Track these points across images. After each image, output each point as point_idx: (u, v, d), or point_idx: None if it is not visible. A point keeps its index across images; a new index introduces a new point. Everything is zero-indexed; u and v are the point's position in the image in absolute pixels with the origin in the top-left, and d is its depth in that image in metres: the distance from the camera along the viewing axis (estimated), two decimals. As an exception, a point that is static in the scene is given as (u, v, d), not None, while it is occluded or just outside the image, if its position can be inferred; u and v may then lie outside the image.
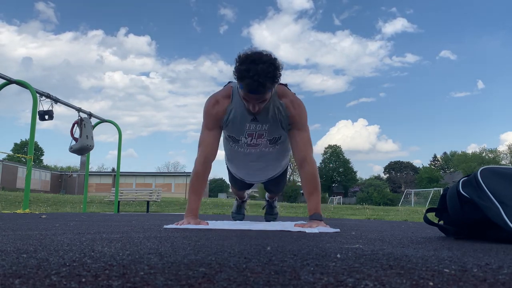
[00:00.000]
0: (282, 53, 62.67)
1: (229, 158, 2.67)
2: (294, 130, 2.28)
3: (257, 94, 2.04)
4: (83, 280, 0.62)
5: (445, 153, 59.82)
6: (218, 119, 2.28)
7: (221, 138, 2.43)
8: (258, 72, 1.95)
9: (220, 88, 2.38)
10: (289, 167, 3.01)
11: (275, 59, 2.05)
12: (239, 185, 3.03)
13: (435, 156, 61.12)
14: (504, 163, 45.61)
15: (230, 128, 2.33)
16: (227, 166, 2.91)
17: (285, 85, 2.31)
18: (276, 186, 3.10)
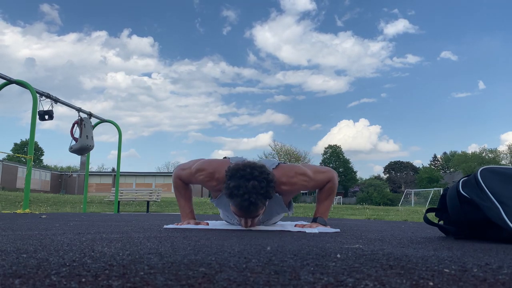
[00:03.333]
0: (284, 54, 62.82)
1: (223, 217, 2.56)
2: (309, 189, 2.25)
3: (249, 214, 1.94)
4: (83, 280, 0.62)
5: (445, 153, 59.86)
6: (208, 189, 2.23)
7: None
8: (249, 190, 1.81)
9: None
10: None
11: (268, 173, 1.90)
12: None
13: (435, 156, 61.13)
14: (504, 163, 45.60)
15: (221, 208, 2.28)
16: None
17: (279, 164, 2.17)
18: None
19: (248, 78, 62.54)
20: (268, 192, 1.88)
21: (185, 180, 2.25)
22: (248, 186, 1.81)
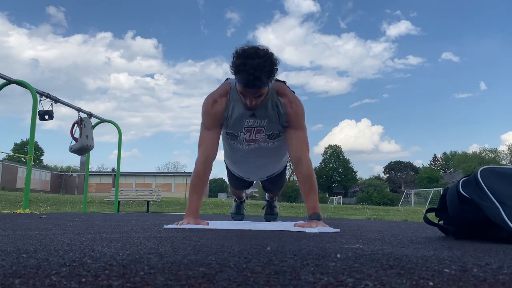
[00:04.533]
0: (287, 56, 63.24)
1: (228, 155, 2.67)
2: (290, 129, 2.28)
3: (253, 88, 2.04)
4: (83, 280, 0.62)
5: (445, 153, 59.85)
6: (217, 118, 2.27)
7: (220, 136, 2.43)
8: (254, 66, 1.96)
9: (219, 85, 2.38)
10: (288, 167, 3.01)
11: (272, 54, 2.05)
12: (238, 183, 3.03)
13: (435, 156, 61.14)
14: (504, 163, 45.59)
15: (229, 125, 2.32)
16: (226, 164, 2.90)
17: (284, 82, 2.31)
18: (274, 185, 3.10)
19: None
20: (271, 70, 2.03)
21: (205, 150, 2.27)
22: (254, 63, 1.96)
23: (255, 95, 2.09)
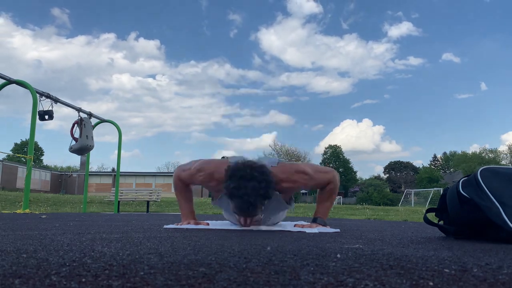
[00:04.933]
0: (289, 57, 63.39)
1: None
2: (309, 189, 2.27)
3: (247, 215, 1.97)
4: (83, 280, 0.62)
5: (444, 153, 59.90)
6: (209, 190, 2.25)
7: None
8: (248, 192, 1.83)
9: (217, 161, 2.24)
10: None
11: (268, 174, 1.92)
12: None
13: (435, 156, 61.17)
14: (504, 163, 45.59)
15: (222, 206, 2.28)
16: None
17: (279, 163, 2.17)
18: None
19: (253, 80, 63.04)
20: (267, 192, 1.89)
21: (185, 181, 2.26)
22: (248, 187, 1.82)
23: (250, 216, 2.01)
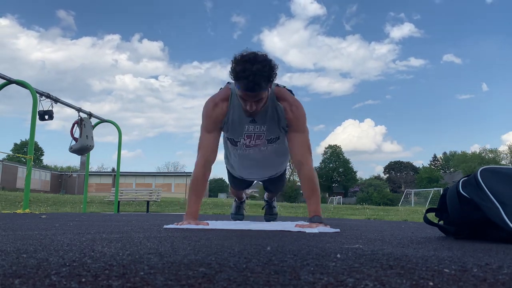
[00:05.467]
0: (291, 58, 63.79)
1: (229, 157, 2.68)
2: (292, 132, 2.28)
3: (253, 93, 2.05)
4: (83, 280, 0.62)
5: (444, 153, 59.91)
6: (217, 121, 2.28)
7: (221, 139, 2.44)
8: (253, 71, 1.97)
9: (220, 88, 2.39)
10: (288, 167, 3.02)
11: (270, 60, 2.06)
12: (239, 183, 3.04)
13: (435, 156, 61.18)
14: (504, 163, 45.58)
15: (229, 130, 2.33)
16: (226, 166, 2.91)
17: (284, 87, 2.32)
18: (275, 185, 3.10)
19: None
20: (271, 75, 2.05)
21: (205, 154, 2.28)
22: (253, 68, 1.97)
23: (255, 99, 2.09)
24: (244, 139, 2.35)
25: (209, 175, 2.35)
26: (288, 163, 2.94)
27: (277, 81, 2.25)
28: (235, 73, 2.03)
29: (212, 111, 2.27)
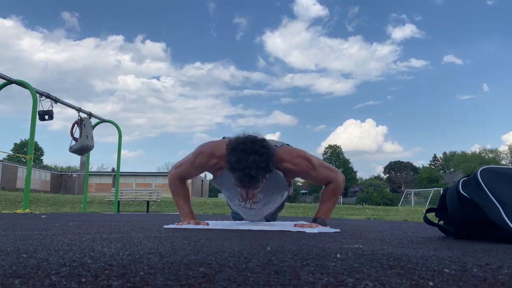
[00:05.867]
0: (293, 59, 64.09)
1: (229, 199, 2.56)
2: (309, 179, 2.25)
3: (249, 188, 1.99)
4: (83, 280, 0.62)
5: (444, 153, 59.93)
6: (210, 171, 2.24)
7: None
8: (249, 165, 1.86)
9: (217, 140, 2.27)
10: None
11: (268, 148, 1.94)
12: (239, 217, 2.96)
13: (435, 156, 61.19)
14: (504, 163, 45.59)
15: (223, 189, 2.30)
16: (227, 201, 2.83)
17: (285, 145, 2.22)
18: (273, 215, 3.04)
19: (257, 81, 63.87)
20: (268, 166, 1.93)
21: (184, 175, 2.27)
22: (249, 160, 1.86)
23: (250, 189, 2.02)
24: (239, 201, 2.27)
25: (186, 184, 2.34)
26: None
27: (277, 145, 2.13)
28: (230, 163, 1.91)
29: (206, 162, 2.17)
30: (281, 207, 2.97)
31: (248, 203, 2.27)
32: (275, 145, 2.11)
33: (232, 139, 1.98)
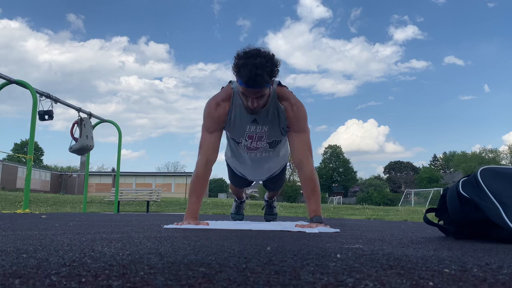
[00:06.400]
0: (295, 60, 64.41)
1: (231, 155, 2.68)
2: (292, 132, 2.28)
3: (255, 88, 2.04)
4: (83, 280, 0.62)
5: (444, 153, 59.94)
6: (219, 121, 2.28)
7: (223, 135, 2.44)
8: (256, 65, 1.96)
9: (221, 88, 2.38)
10: (288, 167, 3.04)
11: (273, 55, 2.06)
12: (240, 181, 3.04)
13: (435, 156, 61.20)
14: (504, 163, 45.58)
15: (231, 130, 2.33)
16: (227, 162, 2.91)
17: (286, 87, 2.32)
18: (275, 183, 3.11)
19: None
20: (273, 69, 2.03)
21: (206, 153, 2.27)
22: (255, 61, 1.97)
23: (256, 95, 2.08)
24: (246, 140, 2.35)
25: (210, 174, 2.34)
26: (288, 162, 2.96)
27: (280, 82, 2.25)
28: (237, 67, 2.02)
29: (214, 111, 2.26)
30: (281, 180, 3.05)
31: (254, 139, 2.34)
32: (279, 83, 2.26)
33: (239, 50, 2.10)
